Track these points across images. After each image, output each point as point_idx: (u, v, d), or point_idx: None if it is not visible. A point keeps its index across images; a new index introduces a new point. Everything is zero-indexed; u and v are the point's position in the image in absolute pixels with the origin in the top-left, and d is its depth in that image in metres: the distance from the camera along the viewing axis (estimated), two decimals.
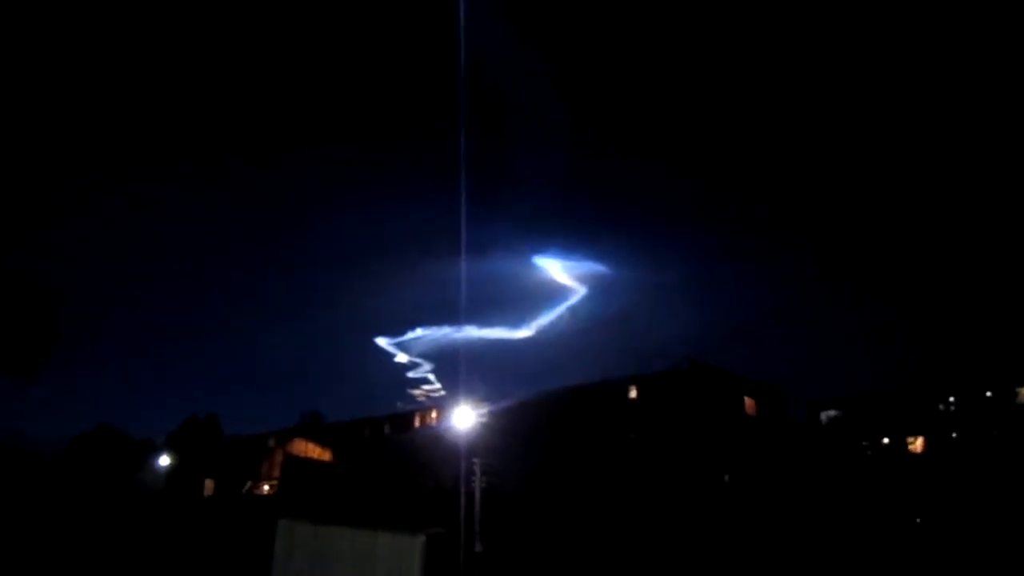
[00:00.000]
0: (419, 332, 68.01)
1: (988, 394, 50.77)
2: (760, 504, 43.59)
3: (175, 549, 19.63)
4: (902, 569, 36.62)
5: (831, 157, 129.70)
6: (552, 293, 66.02)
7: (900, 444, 51.61)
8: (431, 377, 67.26)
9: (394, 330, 70.71)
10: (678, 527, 42.74)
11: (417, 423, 69.24)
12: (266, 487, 57.29)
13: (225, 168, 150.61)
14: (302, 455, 59.79)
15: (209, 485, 63.85)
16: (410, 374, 67.95)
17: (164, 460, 66.50)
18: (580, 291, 65.87)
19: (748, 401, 55.17)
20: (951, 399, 52.13)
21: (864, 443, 52.98)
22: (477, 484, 37.52)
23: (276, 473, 56.45)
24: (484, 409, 44.56)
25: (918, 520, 42.52)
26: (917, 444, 51.15)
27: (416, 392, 68.20)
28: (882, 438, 52.78)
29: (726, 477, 48.37)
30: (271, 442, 67.14)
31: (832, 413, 56.81)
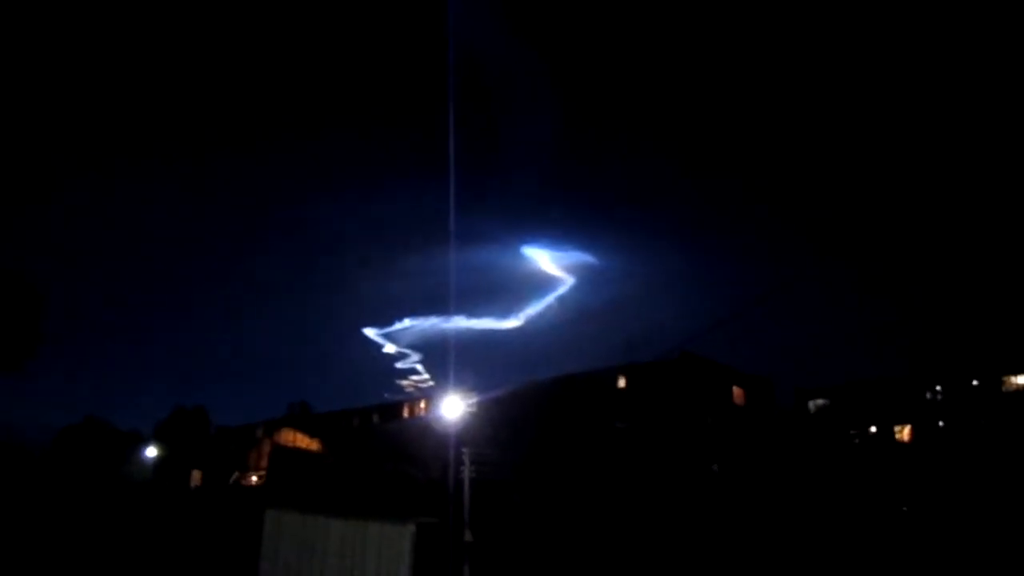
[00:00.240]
0: (407, 322, 67.79)
1: (975, 383, 51.02)
2: (748, 493, 43.69)
3: (162, 540, 19.46)
4: (889, 558, 36.78)
5: (819, 146, 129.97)
6: (540, 283, 65.84)
7: (887, 433, 51.82)
8: (419, 367, 67.12)
9: (382, 320, 70.45)
10: (667, 516, 42.80)
11: (406, 413, 69.14)
12: (254, 478, 57.06)
13: (213, 160, 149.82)
14: (290, 445, 59.57)
15: (196, 476, 63.62)
16: (398, 364, 67.76)
17: (152, 451, 66.20)
18: (568, 281, 65.71)
19: (736, 391, 55.30)
20: (938, 388, 52.36)
21: (852, 432, 53.17)
22: (466, 474, 37.44)
23: (264, 463, 56.23)
24: (473, 399, 44.47)
25: (904, 508, 42.71)
26: (904, 433, 51.38)
27: (404, 383, 68.04)
28: (870, 427, 52.97)
29: (714, 466, 48.48)
30: (259, 432, 66.91)
31: (820, 402, 57.01)
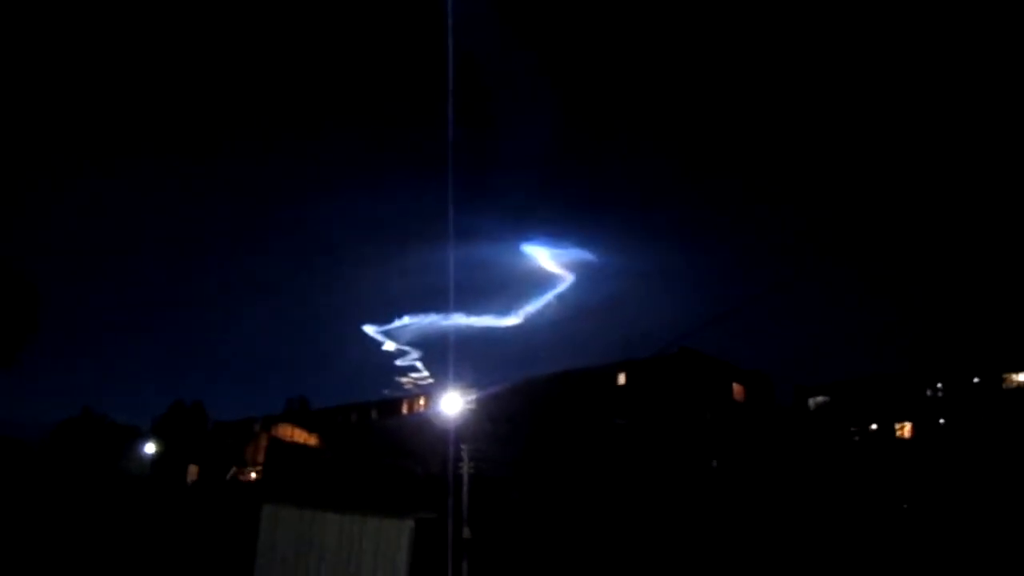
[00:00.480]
0: (406, 320, 67.74)
1: (975, 380, 50.86)
2: (748, 489, 43.55)
3: (159, 535, 19.26)
4: (889, 555, 36.62)
5: (820, 144, 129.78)
6: (540, 280, 65.82)
7: (888, 430, 51.64)
8: (419, 364, 67.01)
9: (381, 318, 70.39)
10: (666, 512, 42.64)
11: (405, 409, 68.93)
12: (252, 473, 56.87)
13: (212, 157, 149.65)
14: (288, 440, 59.38)
15: (193, 471, 63.45)
16: (398, 362, 67.66)
17: (149, 446, 66.01)
18: (568, 278, 65.62)
19: (736, 387, 55.15)
20: (939, 385, 52.19)
21: (852, 429, 52.99)
22: (465, 470, 37.27)
23: (262, 458, 56.02)
24: (472, 395, 44.28)
25: (905, 506, 42.53)
26: (905, 430, 51.20)
27: (404, 380, 67.93)
28: (870, 424, 52.80)
29: (714, 463, 48.31)
30: (256, 427, 66.76)
31: (820, 399, 56.84)
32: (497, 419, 46.96)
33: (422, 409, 65.46)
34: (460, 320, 63.78)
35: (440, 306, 68.68)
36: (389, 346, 67.66)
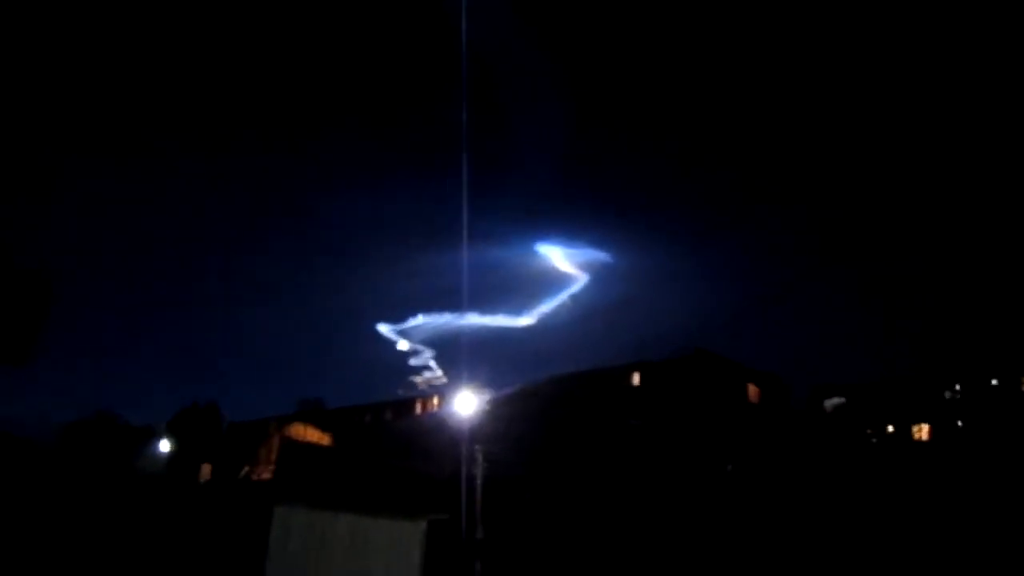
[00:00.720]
0: (420, 319, 67.73)
1: (994, 382, 50.36)
2: (763, 492, 43.20)
3: (170, 534, 19.17)
4: (905, 558, 36.21)
5: (834, 142, 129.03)
6: (554, 281, 65.63)
7: (905, 432, 51.20)
8: (432, 364, 66.97)
9: (395, 317, 70.41)
10: (680, 515, 42.37)
11: (418, 409, 68.86)
12: (265, 473, 56.90)
13: (226, 154, 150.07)
14: (301, 439, 59.38)
15: (206, 470, 63.58)
16: (411, 361, 67.65)
17: (164, 445, 66.22)
18: (582, 279, 65.38)
19: (751, 388, 54.82)
20: (956, 387, 51.72)
21: (868, 431, 52.57)
22: (479, 470, 37.12)
23: (275, 458, 56.06)
24: (486, 396, 44.17)
25: (922, 509, 42.01)
26: (923, 432, 50.74)
27: (417, 379, 67.91)
28: (886, 426, 52.37)
29: (729, 465, 47.98)
30: (270, 428, 66.81)
31: (835, 401, 56.44)
32: (511, 419, 46.80)
33: (436, 409, 65.39)
34: (474, 320, 63.68)
35: (454, 305, 68.60)
36: (403, 345, 67.69)
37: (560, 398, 53.62)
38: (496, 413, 44.99)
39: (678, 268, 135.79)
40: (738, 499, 43.06)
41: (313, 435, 61.41)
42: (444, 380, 65.79)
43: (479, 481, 36.38)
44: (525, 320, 64.46)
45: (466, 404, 40.96)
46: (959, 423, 49.81)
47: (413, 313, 68.55)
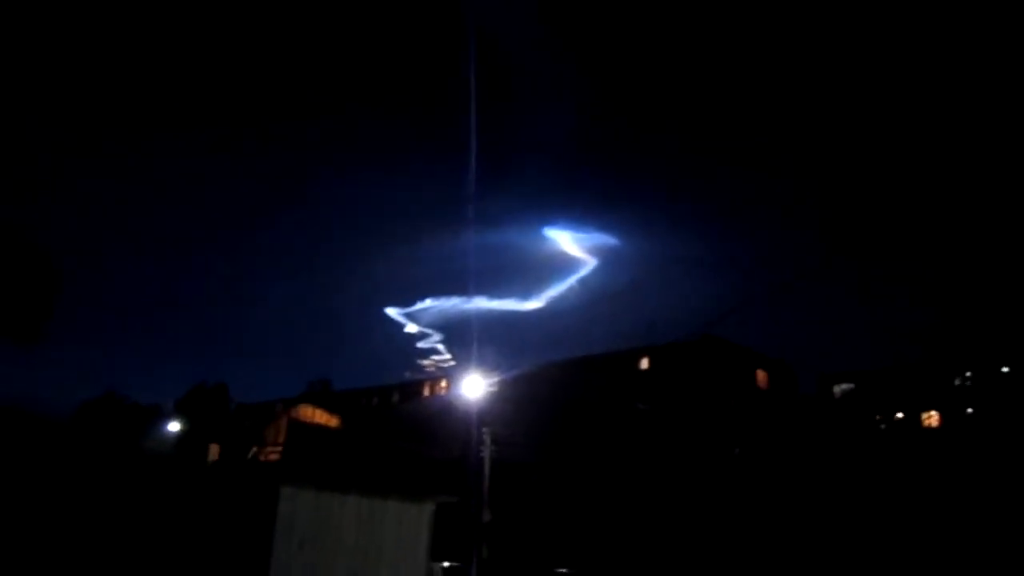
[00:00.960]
0: (428, 302, 67.57)
1: (1004, 369, 50.03)
2: (771, 477, 43.11)
3: (177, 514, 19.17)
4: (913, 547, 36.13)
5: (846, 128, 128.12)
6: (562, 265, 65.20)
7: (914, 419, 50.95)
8: (440, 347, 66.96)
9: (404, 300, 70.33)
10: (687, 499, 42.33)
11: (426, 392, 69.00)
12: (272, 454, 57.07)
13: (236, 135, 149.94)
14: (309, 421, 59.52)
15: (214, 451, 63.88)
16: (419, 344, 67.63)
17: (173, 426, 66.47)
18: (590, 263, 65.02)
19: (760, 374, 54.68)
20: (967, 374, 51.40)
21: (877, 417, 52.34)
22: (486, 453, 37.09)
23: (282, 439, 56.19)
24: (494, 379, 44.01)
25: (930, 497, 41.86)
26: (932, 419, 50.49)
27: (425, 362, 67.96)
28: (896, 413, 52.12)
29: (736, 450, 47.88)
30: (278, 409, 66.99)
31: (844, 387, 56.21)
32: (519, 403, 46.75)
33: (443, 392, 65.50)
34: (482, 303, 63.51)
35: (462, 289, 68.48)
36: (411, 328, 67.66)
37: (568, 382, 53.57)
38: (504, 396, 44.87)
39: (687, 253, 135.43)
40: (745, 483, 43.00)
41: (321, 417, 61.48)
42: (452, 363, 65.81)
43: (487, 464, 36.39)
44: (533, 304, 64.23)
45: (474, 387, 40.80)
46: (969, 410, 49.55)
47: (421, 296, 68.37)
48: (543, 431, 47.13)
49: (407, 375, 70.70)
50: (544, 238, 68.32)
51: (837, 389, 56.05)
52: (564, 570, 39.01)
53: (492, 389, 42.12)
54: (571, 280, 64.62)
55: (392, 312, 69.17)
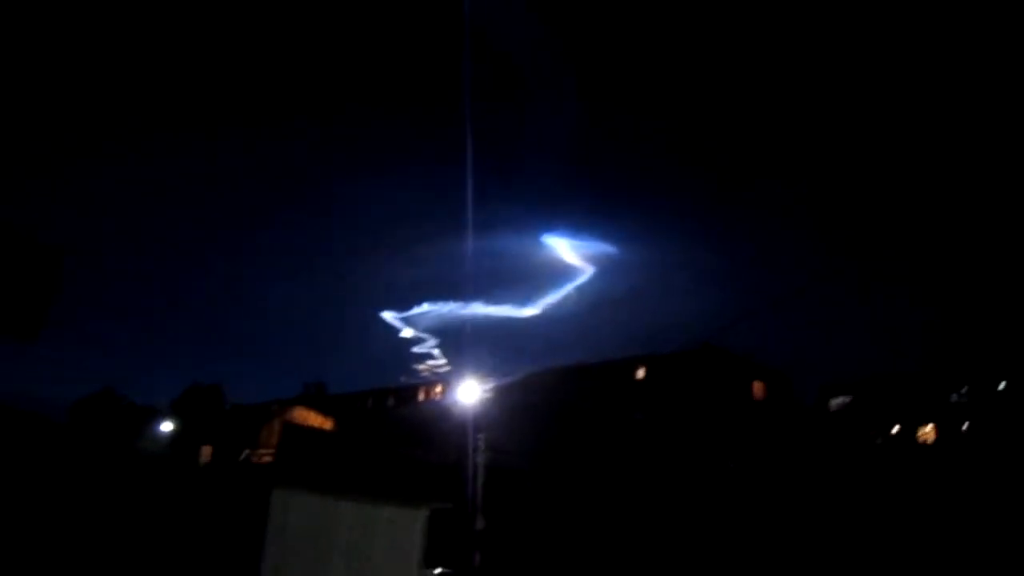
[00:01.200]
0: (425, 307, 67.60)
1: (1001, 386, 50.01)
2: (766, 489, 43.00)
3: (169, 515, 19.04)
4: (908, 560, 35.98)
5: (844, 140, 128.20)
6: (559, 272, 65.25)
7: (910, 433, 50.91)
8: (436, 352, 66.94)
9: (400, 304, 70.35)
10: (682, 510, 42.20)
11: (421, 397, 68.87)
12: (266, 456, 56.93)
13: (234, 136, 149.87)
14: (303, 423, 59.37)
15: (206, 452, 63.68)
16: (415, 349, 67.64)
17: (167, 426, 66.35)
18: (588, 271, 64.99)
19: (757, 385, 54.58)
20: (963, 389, 51.38)
21: (872, 431, 52.30)
22: (480, 459, 36.98)
23: (275, 442, 56.10)
24: (490, 385, 43.95)
25: (926, 511, 41.76)
26: (928, 433, 50.44)
27: (421, 367, 67.96)
28: (892, 426, 52.07)
29: (732, 462, 47.76)
30: (272, 410, 66.89)
31: (841, 399, 56.16)
32: (514, 409, 46.65)
33: (439, 397, 65.42)
34: (479, 309, 63.48)
35: (459, 294, 68.50)
36: (407, 333, 67.66)
37: (564, 389, 53.48)
38: (500, 402, 44.82)
39: (685, 262, 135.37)
40: (740, 496, 42.87)
41: (315, 419, 61.39)
42: (448, 368, 65.81)
43: (481, 470, 36.25)
44: (530, 311, 64.21)
45: (469, 393, 40.72)
46: (965, 425, 49.52)
47: (418, 301, 68.45)
48: (538, 438, 47.01)
49: (403, 379, 70.73)
50: (542, 245, 68.40)
51: (834, 402, 56.01)
52: None
53: (488, 395, 42.12)
54: (568, 287, 64.66)
55: (388, 316, 69.21)
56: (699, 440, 46.56)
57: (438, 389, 67.29)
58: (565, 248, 64.84)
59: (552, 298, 64.26)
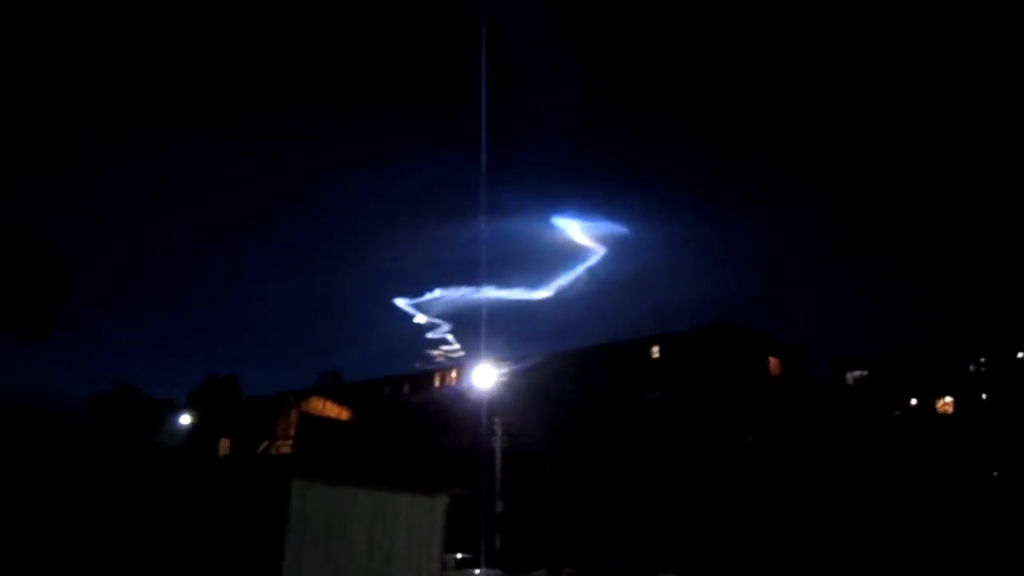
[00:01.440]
0: (438, 293, 67.62)
1: (1020, 355, 49.65)
2: (784, 465, 42.85)
3: (189, 511, 19.03)
4: (926, 534, 35.83)
5: (858, 116, 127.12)
6: (571, 253, 65.08)
7: (929, 405, 50.58)
8: (450, 337, 66.95)
9: (413, 291, 70.38)
10: (700, 487, 42.12)
11: (436, 383, 68.86)
12: (284, 448, 57.12)
13: (246, 126, 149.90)
14: (319, 414, 59.43)
15: (224, 444, 63.89)
16: (429, 335, 67.65)
17: (185, 419, 66.55)
18: (599, 251, 64.75)
19: (772, 361, 54.32)
20: (981, 360, 50.99)
21: (891, 404, 52.00)
22: (498, 443, 36.95)
23: (293, 433, 56.23)
24: (504, 369, 43.86)
25: (947, 483, 41.56)
26: (947, 405, 50.12)
27: (435, 352, 67.96)
28: (910, 399, 51.75)
29: (750, 437, 47.61)
30: (288, 401, 66.99)
31: (858, 373, 55.86)
32: (530, 392, 46.59)
33: (454, 382, 65.40)
34: (491, 293, 63.45)
35: (471, 279, 68.45)
36: (421, 319, 67.69)
37: (579, 371, 53.35)
38: (515, 386, 44.72)
39: (695, 240, 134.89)
40: (758, 470, 42.74)
41: (331, 409, 61.45)
42: (462, 353, 65.79)
43: (498, 454, 36.22)
44: (542, 293, 64.07)
45: (484, 377, 40.63)
46: (983, 396, 49.17)
47: (430, 287, 68.44)
48: (555, 421, 46.97)
49: (417, 365, 70.72)
50: (553, 227, 68.20)
51: (850, 376, 55.70)
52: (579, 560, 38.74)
53: (503, 379, 42.01)
54: (580, 269, 64.50)
55: (401, 303, 69.27)
56: (716, 416, 46.43)
57: (453, 374, 67.30)
58: (576, 229, 64.67)
59: (564, 280, 64.16)
